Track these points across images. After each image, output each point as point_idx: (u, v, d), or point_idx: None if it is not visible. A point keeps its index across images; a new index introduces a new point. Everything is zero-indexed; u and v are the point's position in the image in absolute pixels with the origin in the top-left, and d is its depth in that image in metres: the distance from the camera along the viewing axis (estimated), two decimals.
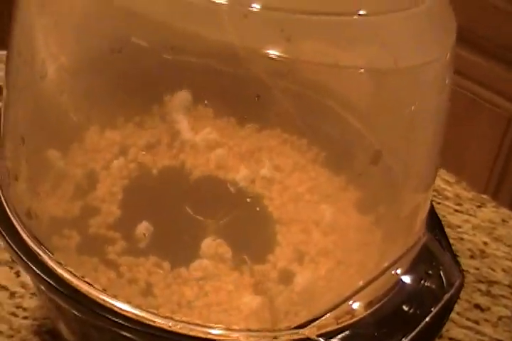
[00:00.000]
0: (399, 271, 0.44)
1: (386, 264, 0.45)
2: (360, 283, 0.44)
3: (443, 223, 0.76)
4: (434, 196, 0.80)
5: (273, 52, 0.38)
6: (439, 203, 0.79)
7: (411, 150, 0.48)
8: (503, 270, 0.72)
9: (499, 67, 1.88)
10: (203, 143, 0.49)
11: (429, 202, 0.51)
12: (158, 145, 0.50)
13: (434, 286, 0.44)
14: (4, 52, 0.48)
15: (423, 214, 0.50)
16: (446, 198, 0.81)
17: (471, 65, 1.92)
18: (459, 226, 0.76)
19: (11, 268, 0.60)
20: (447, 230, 0.75)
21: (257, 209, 0.48)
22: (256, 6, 0.37)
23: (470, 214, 0.79)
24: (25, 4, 0.45)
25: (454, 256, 0.49)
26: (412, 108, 0.46)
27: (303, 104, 0.46)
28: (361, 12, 0.40)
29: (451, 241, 0.74)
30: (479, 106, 1.93)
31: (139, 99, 0.48)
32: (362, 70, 0.41)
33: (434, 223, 0.51)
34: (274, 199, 0.48)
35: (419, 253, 0.47)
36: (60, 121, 0.46)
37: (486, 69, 1.90)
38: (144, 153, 0.49)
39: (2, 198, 0.48)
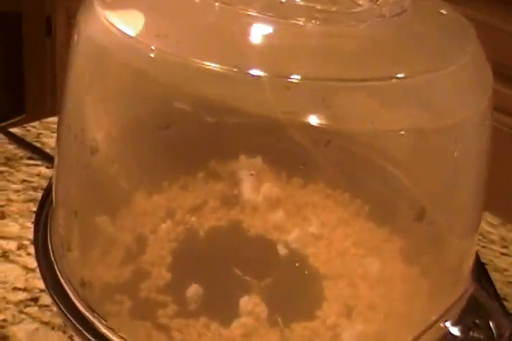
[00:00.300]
0: (447, 324, 0.44)
1: (434, 316, 0.45)
2: (409, 337, 0.45)
3: (490, 267, 0.77)
4: (479, 240, 0.80)
5: (315, 121, 0.39)
6: (484, 247, 0.79)
7: (455, 201, 0.49)
8: None
9: None
10: (259, 202, 0.51)
11: (474, 251, 0.51)
12: (204, 206, 0.51)
13: (483, 337, 0.44)
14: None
15: (469, 263, 0.50)
16: (492, 241, 0.80)
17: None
18: (506, 270, 0.76)
19: (64, 332, 0.61)
20: (495, 274, 0.76)
21: (304, 266, 0.49)
22: (296, 77, 0.38)
23: None
24: (75, 80, 0.47)
25: (503, 306, 0.49)
26: (454, 161, 0.47)
27: (345, 159, 0.47)
28: (399, 75, 0.41)
29: (500, 285, 0.75)
30: None
31: (184, 164, 0.49)
32: (402, 132, 0.42)
33: (480, 272, 0.52)
34: (320, 254, 0.49)
35: (467, 304, 0.47)
36: (109, 190, 0.48)
37: None
38: (190, 215, 0.51)
39: (56, 268, 0.49)
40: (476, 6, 1.96)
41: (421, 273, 0.47)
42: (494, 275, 0.75)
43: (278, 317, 0.44)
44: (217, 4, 0.43)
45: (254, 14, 0.41)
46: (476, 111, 0.46)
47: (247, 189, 0.51)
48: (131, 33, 0.41)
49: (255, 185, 0.51)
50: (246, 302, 0.45)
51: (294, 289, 0.48)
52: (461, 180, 0.47)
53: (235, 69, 0.38)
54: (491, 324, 0.44)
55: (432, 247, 0.47)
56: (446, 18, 0.50)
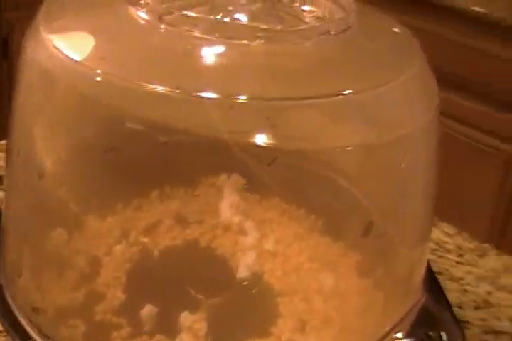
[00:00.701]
0: (399, 335, 0.45)
1: (387, 328, 0.46)
2: None
3: (446, 276, 0.77)
4: (436, 249, 0.81)
5: (260, 140, 0.39)
6: (441, 256, 0.80)
7: (404, 212, 0.49)
8: (509, 319, 0.72)
9: (497, 111, 1.90)
10: (213, 221, 0.51)
11: (425, 262, 0.52)
12: (158, 226, 0.51)
13: None
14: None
15: (420, 273, 0.51)
16: (448, 251, 0.81)
17: (470, 111, 1.94)
18: (462, 278, 0.77)
19: None
20: (451, 283, 0.76)
21: (260, 283, 0.49)
22: (240, 97, 0.39)
23: (472, 265, 0.79)
24: (22, 104, 0.47)
25: (454, 315, 0.50)
26: (402, 173, 0.48)
27: (294, 175, 0.47)
28: (346, 91, 0.42)
29: (456, 294, 0.75)
30: (478, 151, 1.95)
31: (136, 185, 0.49)
32: (350, 148, 0.43)
33: (432, 283, 0.52)
34: (275, 271, 0.50)
35: (419, 315, 0.48)
36: (60, 213, 0.48)
37: (484, 114, 1.92)
38: (144, 236, 0.51)
39: (7, 294, 0.49)
40: (422, 16, 1.99)
41: (374, 285, 0.47)
42: (450, 285, 0.76)
43: (232, 334, 0.44)
44: (162, 26, 0.43)
45: (199, 35, 0.42)
46: (422, 122, 0.47)
47: (200, 207, 0.52)
48: (77, 56, 0.42)
49: (208, 204, 0.51)
50: (196, 321, 0.45)
51: (249, 306, 0.48)
52: (410, 190, 0.48)
53: (177, 91, 0.38)
54: (442, 334, 0.45)
55: (383, 259, 0.48)
56: (391, 33, 0.51)
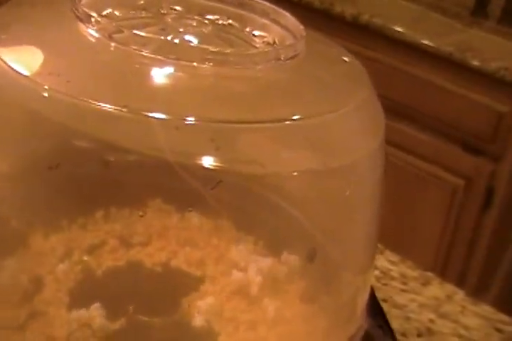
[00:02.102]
0: None
1: None
2: None
3: (390, 304, 0.78)
4: (380, 277, 0.82)
5: (204, 162, 0.39)
6: (385, 284, 0.81)
7: (348, 239, 0.50)
8: None
9: (443, 142, 1.93)
10: (157, 242, 0.51)
11: (369, 288, 0.52)
12: (102, 247, 0.51)
13: None
14: None
15: (364, 300, 0.51)
16: (392, 278, 0.82)
17: (417, 141, 1.97)
18: (406, 306, 0.78)
19: None
20: (394, 311, 0.77)
21: (204, 305, 0.49)
22: (186, 118, 0.39)
23: (416, 293, 0.80)
24: None
25: None
26: (347, 200, 0.48)
27: (239, 199, 0.47)
28: (292, 117, 0.42)
29: (400, 321, 0.76)
30: (425, 181, 1.97)
31: (81, 204, 0.49)
32: (295, 173, 0.43)
33: (376, 309, 0.53)
34: (220, 293, 0.49)
35: None
36: (2, 229, 0.47)
37: (431, 145, 1.95)
38: (87, 255, 0.50)
39: None
40: (375, 46, 2.02)
41: (318, 311, 0.47)
42: (394, 312, 0.77)
43: None
44: (112, 44, 0.43)
45: (148, 55, 0.42)
46: (368, 151, 0.47)
47: (145, 229, 0.51)
48: (24, 71, 0.41)
49: (153, 226, 0.51)
50: None
51: (193, 328, 0.48)
52: (355, 217, 0.48)
53: (124, 110, 0.38)
54: None
55: (327, 285, 0.48)
56: (340, 61, 0.52)
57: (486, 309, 0.80)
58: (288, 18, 0.51)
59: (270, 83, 0.45)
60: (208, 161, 0.39)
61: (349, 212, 0.48)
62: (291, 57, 0.47)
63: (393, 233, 2.09)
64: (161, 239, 0.52)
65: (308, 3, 2.07)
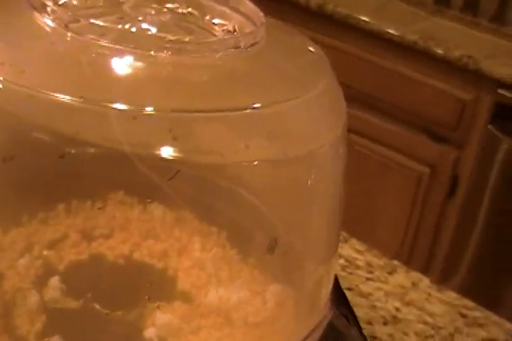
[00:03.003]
0: None
1: None
2: None
3: (355, 292, 0.78)
4: (346, 266, 0.82)
5: (162, 153, 0.39)
6: (351, 273, 0.81)
7: (310, 229, 0.49)
8: (416, 333, 0.73)
9: (407, 131, 1.94)
10: (119, 235, 0.50)
11: (333, 278, 0.52)
12: (64, 241, 0.50)
13: None
14: None
15: (327, 289, 0.51)
16: (358, 267, 0.82)
17: (381, 130, 1.98)
18: (371, 294, 0.78)
19: None
20: (360, 299, 0.77)
21: (168, 296, 0.48)
22: (143, 108, 0.38)
23: (382, 281, 0.80)
24: None
25: (361, 331, 0.50)
26: (309, 189, 0.48)
27: (198, 189, 0.47)
28: (252, 105, 0.42)
29: (365, 310, 0.76)
30: (390, 169, 1.98)
31: (41, 198, 0.48)
32: (256, 162, 0.42)
33: (340, 298, 0.53)
34: (183, 285, 0.49)
35: (326, 332, 0.48)
36: None
37: (396, 133, 1.96)
38: (48, 250, 0.49)
39: None
40: (339, 35, 2.02)
41: (280, 302, 0.47)
42: (360, 300, 0.77)
43: None
44: (69, 34, 0.43)
45: (106, 45, 0.41)
46: (329, 139, 0.47)
47: (107, 222, 0.51)
48: None
49: (115, 218, 0.51)
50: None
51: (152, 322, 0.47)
52: (317, 207, 0.48)
53: (80, 100, 0.37)
54: None
55: (290, 275, 0.48)
56: (301, 49, 0.51)
57: (451, 295, 0.81)
58: (248, 5, 0.50)
59: (229, 71, 0.45)
60: (165, 152, 0.39)
61: (311, 201, 0.48)
62: (251, 45, 0.46)
63: (359, 221, 2.10)
64: (123, 231, 0.51)
65: None
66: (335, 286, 0.53)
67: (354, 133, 2.02)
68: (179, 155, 0.39)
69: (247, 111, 0.41)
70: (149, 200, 0.43)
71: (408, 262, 1.96)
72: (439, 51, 1.85)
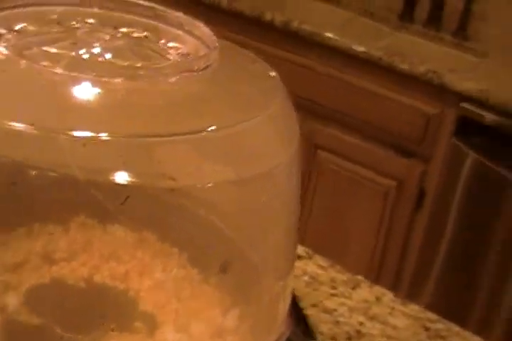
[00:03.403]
0: None
1: None
2: None
3: (319, 308, 0.79)
4: (310, 283, 0.82)
5: (113, 178, 0.39)
6: (315, 289, 0.82)
7: (267, 246, 0.50)
8: None
9: (374, 146, 1.96)
10: (79, 257, 0.50)
11: (289, 294, 0.53)
12: (25, 264, 0.51)
13: None
14: None
15: (284, 306, 0.51)
16: (322, 283, 0.83)
17: (349, 145, 1.99)
18: (335, 310, 0.79)
19: None
20: (324, 315, 0.78)
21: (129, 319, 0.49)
22: (93, 134, 0.39)
23: (345, 297, 0.81)
24: None
25: None
26: (264, 207, 0.49)
27: (150, 211, 0.47)
28: (206, 128, 0.43)
29: (329, 325, 0.77)
30: (358, 184, 2.00)
31: (1, 221, 0.49)
32: (210, 184, 0.43)
33: (298, 315, 0.53)
34: (145, 306, 0.50)
35: None
36: None
37: (363, 148, 1.97)
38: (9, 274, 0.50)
39: None
40: (307, 53, 2.04)
41: (238, 319, 0.48)
42: (324, 316, 0.78)
43: None
44: (23, 62, 0.43)
45: (59, 72, 0.42)
46: (283, 160, 0.48)
47: (68, 245, 0.51)
48: None
49: (76, 242, 0.51)
50: None
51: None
52: (273, 224, 0.49)
53: (31, 127, 0.38)
54: None
55: (246, 293, 0.48)
56: (254, 71, 0.52)
57: (415, 308, 0.82)
58: (202, 29, 0.51)
59: (183, 95, 0.45)
60: (116, 177, 0.39)
61: (267, 219, 0.48)
62: (204, 68, 0.47)
63: (330, 237, 2.11)
64: (84, 253, 0.52)
65: (240, 11, 2.08)
66: (293, 303, 0.53)
67: (323, 150, 2.03)
68: (130, 179, 0.40)
69: (200, 134, 0.42)
70: (110, 223, 0.44)
71: (378, 277, 1.98)
72: (404, 66, 1.87)
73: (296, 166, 0.49)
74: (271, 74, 0.52)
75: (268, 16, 2.06)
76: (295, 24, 2.02)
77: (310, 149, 2.04)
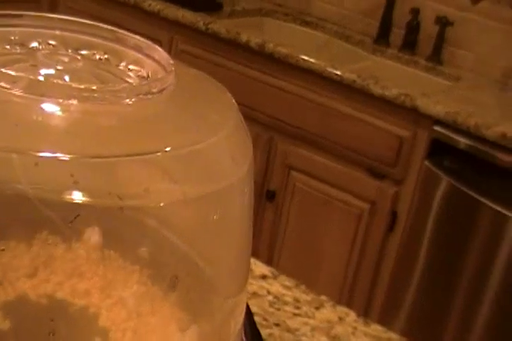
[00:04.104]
0: None
1: None
2: None
3: (283, 328, 0.80)
4: (274, 302, 0.83)
5: (63, 197, 0.40)
6: (278, 309, 0.83)
7: (219, 265, 0.51)
8: None
9: (348, 167, 1.97)
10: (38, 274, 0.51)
11: (242, 311, 0.53)
12: None
13: None
14: None
15: (237, 323, 0.52)
16: (285, 303, 0.84)
17: (323, 167, 2.01)
18: (298, 330, 0.80)
19: None
20: (287, 334, 0.79)
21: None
22: (45, 154, 0.40)
23: (309, 317, 0.82)
24: None
25: None
26: (215, 225, 0.49)
27: (99, 230, 0.48)
28: (153, 150, 0.44)
29: None
30: (331, 205, 2.01)
31: None
32: (162, 204, 0.44)
33: (253, 333, 0.54)
34: (106, 323, 0.50)
35: None
36: None
37: (337, 170, 1.99)
38: None
39: None
40: (277, 73, 2.06)
41: (189, 337, 0.48)
42: (287, 336, 0.79)
43: None
44: None
45: (15, 93, 0.43)
46: (236, 177, 0.49)
47: (31, 261, 0.52)
48: None
49: (39, 257, 0.52)
50: None
51: None
52: (225, 242, 0.50)
53: None
54: None
55: (198, 311, 0.49)
56: (210, 93, 0.53)
57: (377, 328, 0.83)
58: (160, 52, 0.52)
59: (138, 117, 0.46)
60: (66, 195, 0.40)
61: (219, 237, 0.49)
62: (161, 91, 0.48)
63: (301, 258, 2.12)
64: (46, 270, 0.52)
65: (216, 32, 2.10)
66: (249, 322, 0.54)
67: (296, 171, 2.05)
68: (80, 198, 0.41)
69: (151, 155, 0.43)
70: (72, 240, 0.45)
71: (350, 300, 1.98)
72: (377, 90, 1.90)
73: (248, 185, 0.50)
74: (225, 95, 0.53)
75: (244, 37, 2.08)
76: (271, 46, 2.05)
77: (283, 170, 2.06)
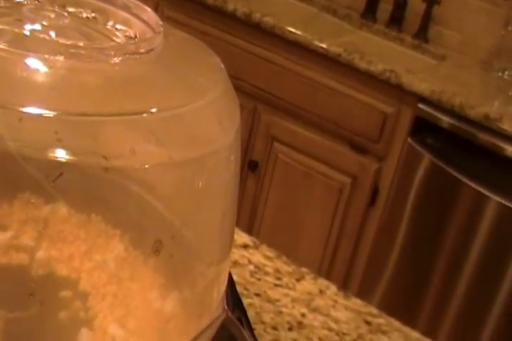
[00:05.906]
0: None
1: None
2: None
3: (263, 298, 0.79)
4: (255, 272, 0.83)
5: (47, 154, 0.39)
6: (259, 279, 0.82)
7: (202, 231, 0.50)
8: (320, 339, 0.75)
9: (331, 141, 1.97)
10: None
11: (225, 280, 0.53)
12: None
13: None
14: None
15: (219, 291, 0.51)
16: (267, 273, 0.83)
17: (306, 140, 2.00)
18: (278, 300, 0.79)
19: None
20: (267, 305, 0.78)
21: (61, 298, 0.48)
22: (29, 109, 0.38)
23: (289, 288, 0.82)
24: None
25: (253, 333, 0.51)
26: (200, 190, 0.48)
27: (83, 190, 0.46)
28: (139, 110, 0.42)
29: (271, 315, 0.77)
30: (313, 179, 2.01)
31: None
32: (147, 166, 0.43)
33: (235, 303, 0.53)
34: (76, 286, 0.49)
35: (218, 333, 0.48)
36: None
37: (319, 144, 1.98)
38: None
39: None
40: (262, 44, 2.05)
41: (170, 303, 0.48)
42: (267, 306, 0.78)
43: None
44: None
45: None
46: (223, 143, 0.48)
47: (11, 222, 0.51)
48: None
49: (19, 218, 0.51)
50: None
51: (53, 320, 0.47)
52: (209, 209, 0.49)
53: None
54: None
55: (180, 277, 0.48)
56: (197, 56, 0.52)
57: (357, 302, 0.82)
58: (148, 13, 0.51)
59: (125, 77, 0.45)
60: (50, 153, 0.39)
61: (202, 202, 0.48)
62: (149, 51, 0.47)
63: (281, 229, 2.12)
64: (28, 230, 0.51)
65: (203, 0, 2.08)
66: (231, 291, 0.54)
67: (279, 143, 2.04)
68: (64, 156, 0.39)
69: (138, 116, 0.42)
70: (33, 201, 0.43)
71: (329, 273, 1.99)
72: (363, 64, 1.89)
73: (234, 152, 0.49)
74: (214, 59, 0.52)
75: (230, 6, 2.06)
76: (257, 16, 2.03)
77: (266, 140, 2.05)
